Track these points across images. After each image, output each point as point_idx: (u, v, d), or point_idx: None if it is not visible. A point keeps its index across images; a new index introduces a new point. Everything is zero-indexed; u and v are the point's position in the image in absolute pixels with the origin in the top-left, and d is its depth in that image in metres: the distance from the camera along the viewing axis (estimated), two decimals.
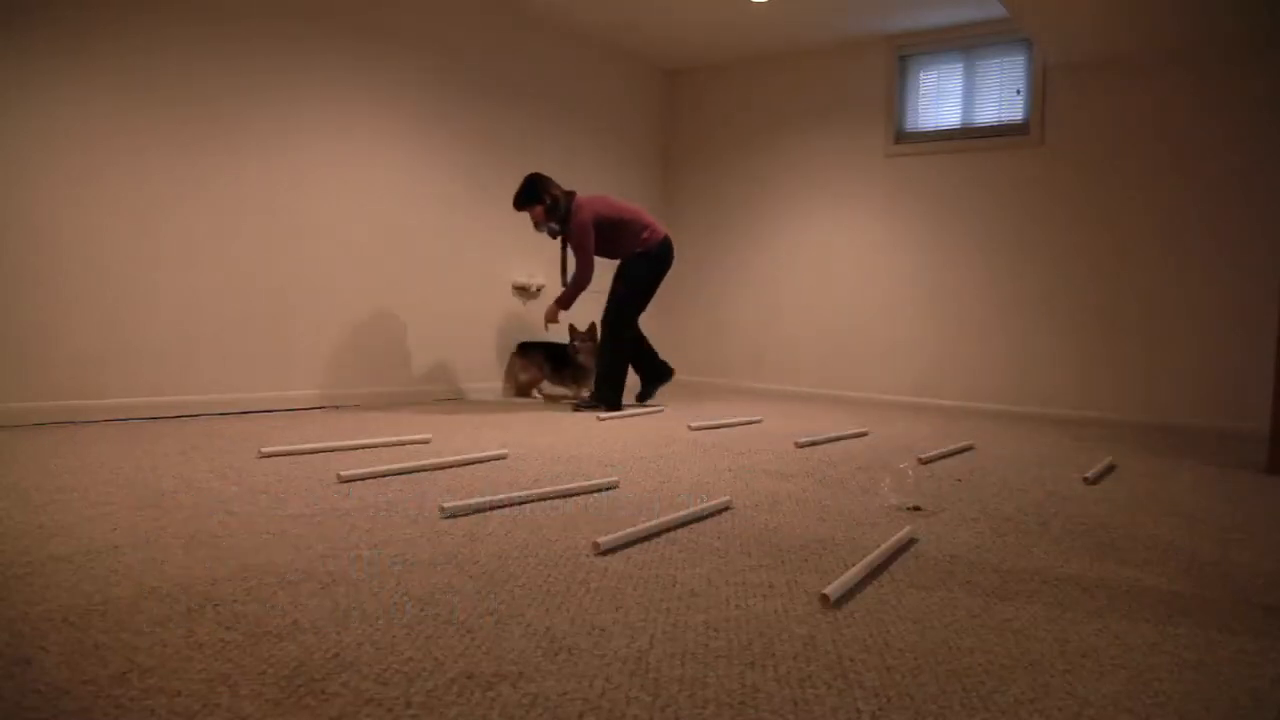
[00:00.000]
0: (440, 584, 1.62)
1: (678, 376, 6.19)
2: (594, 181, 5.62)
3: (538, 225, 4.45)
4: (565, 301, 4.44)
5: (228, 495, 2.27)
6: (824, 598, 1.58)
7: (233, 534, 1.91)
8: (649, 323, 6.19)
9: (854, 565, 1.77)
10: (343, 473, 2.52)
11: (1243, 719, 1.20)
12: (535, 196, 4.34)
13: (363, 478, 2.53)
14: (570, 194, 4.40)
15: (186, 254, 3.72)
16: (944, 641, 1.42)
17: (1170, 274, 4.51)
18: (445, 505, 2.16)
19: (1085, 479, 2.89)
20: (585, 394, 4.69)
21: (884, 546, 1.91)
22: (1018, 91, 4.94)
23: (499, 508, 2.23)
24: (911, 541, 2.05)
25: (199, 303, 3.77)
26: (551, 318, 4.50)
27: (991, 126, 5.03)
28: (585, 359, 4.72)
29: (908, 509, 2.40)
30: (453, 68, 4.72)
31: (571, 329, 4.74)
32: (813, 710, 1.16)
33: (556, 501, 2.34)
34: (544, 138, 5.28)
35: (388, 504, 2.24)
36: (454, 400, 4.75)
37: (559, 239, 4.58)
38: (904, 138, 5.31)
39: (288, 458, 2.82)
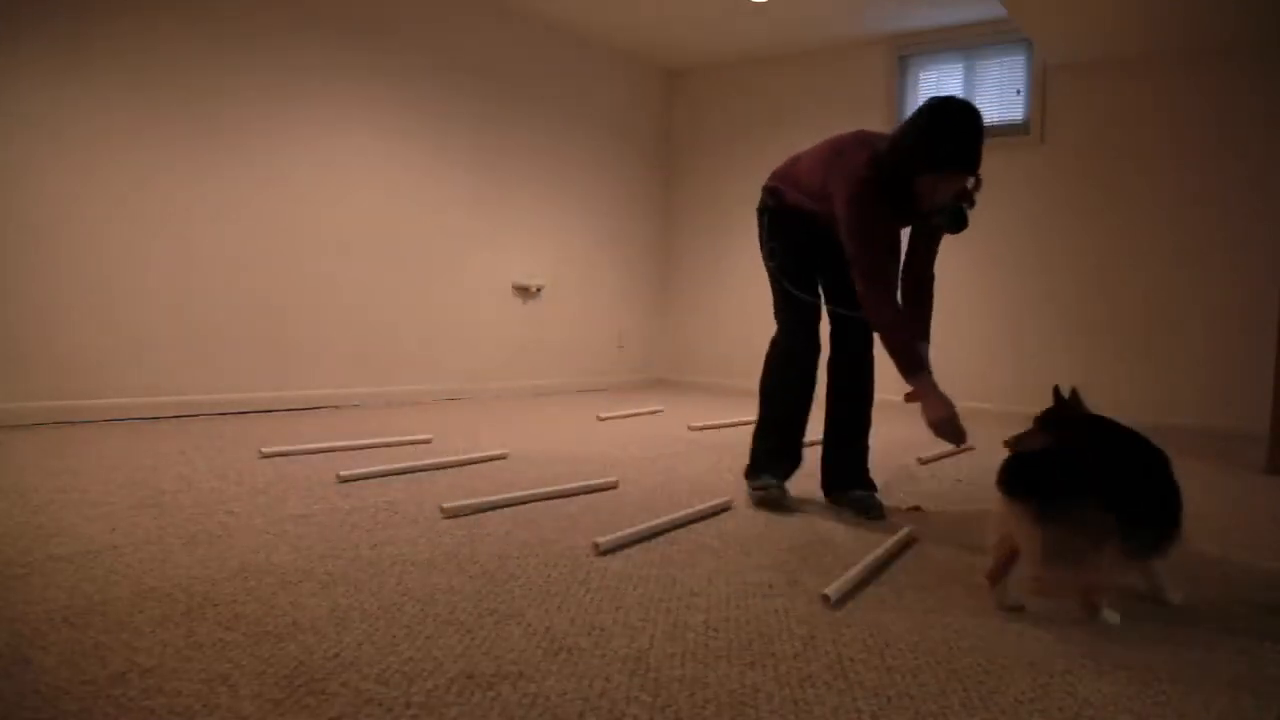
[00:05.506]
0: (440, 584, 1.62)
1: (678, 376, 6.18)
2: (593, 181, 5.62)
3: (944, 204, 2.27)
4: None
5: (228, 495, 2.27)
6: (824, 598, 1.58)
7: (233, 534, 1.91)
8: (640, 321, 6.19)
9: (854, 565, 1.77)
10: (343, 473, 2.52)
11: (1242, 719, 1.20)
12: None
13: (363, 477, 2.53)
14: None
15: (186, 253, 3.72)
16: (944, 641, 1.42)
17: (1170, 274, 4.50)
18: (445, 505, 2.16)
19: None
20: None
21: (884, 546, 1.91)
22: (1018, 91, 4.94)
23: (499, 508, 2.23)
24: (911, 541, 2.05)
25: (198, 302, 3.76)
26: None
27: (991, 126, 5.02)
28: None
29: (908, 509, 2.40)
30: (452, 67, 4.72)
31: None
32: (813, 710, 1.16)
33: (556, 501, 2.34)
34: (543, 136, 5.27)
35: (388, 504, 2.24)
36: (454, 400, 4.75)
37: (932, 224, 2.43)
38: None
39: (288, 458, 2.82)
